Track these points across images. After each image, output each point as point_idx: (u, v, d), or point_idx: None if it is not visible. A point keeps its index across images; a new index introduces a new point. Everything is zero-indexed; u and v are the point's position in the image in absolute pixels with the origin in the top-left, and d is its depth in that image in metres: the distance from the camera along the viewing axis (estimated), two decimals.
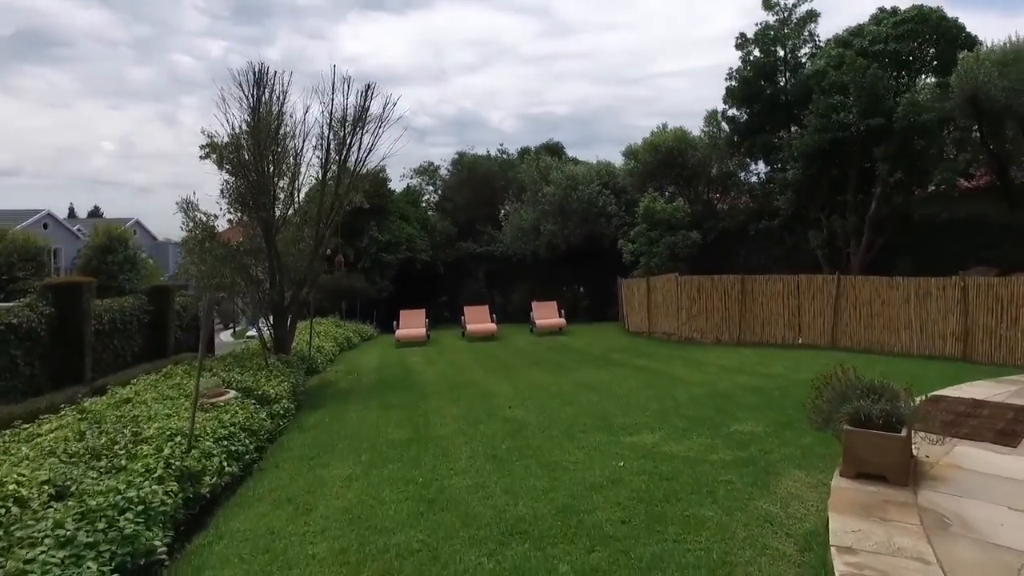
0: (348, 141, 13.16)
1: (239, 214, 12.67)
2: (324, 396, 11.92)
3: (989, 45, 20.00)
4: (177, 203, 12.00)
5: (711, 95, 68.44)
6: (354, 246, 28.27)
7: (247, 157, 12.34)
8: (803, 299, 14.94)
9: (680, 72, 58.36)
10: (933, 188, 20.49)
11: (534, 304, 22.64)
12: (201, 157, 12.03)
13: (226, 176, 12.38)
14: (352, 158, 13.43)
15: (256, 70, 12.26)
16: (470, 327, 20.92)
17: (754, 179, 24.92)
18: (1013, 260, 19.29)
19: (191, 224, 12.10)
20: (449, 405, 10.36)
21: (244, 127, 12.26)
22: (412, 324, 21.53)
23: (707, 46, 57.95)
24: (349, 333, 21.61)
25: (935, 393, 8.60)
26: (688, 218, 23.44)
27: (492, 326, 21.01)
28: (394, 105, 13.43)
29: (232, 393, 8.76)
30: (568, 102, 60.38)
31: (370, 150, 13.58)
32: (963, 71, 19.45)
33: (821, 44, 23.34)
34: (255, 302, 12.51)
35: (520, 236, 28.42)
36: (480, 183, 33.65)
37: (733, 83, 24.04)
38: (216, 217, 12.37)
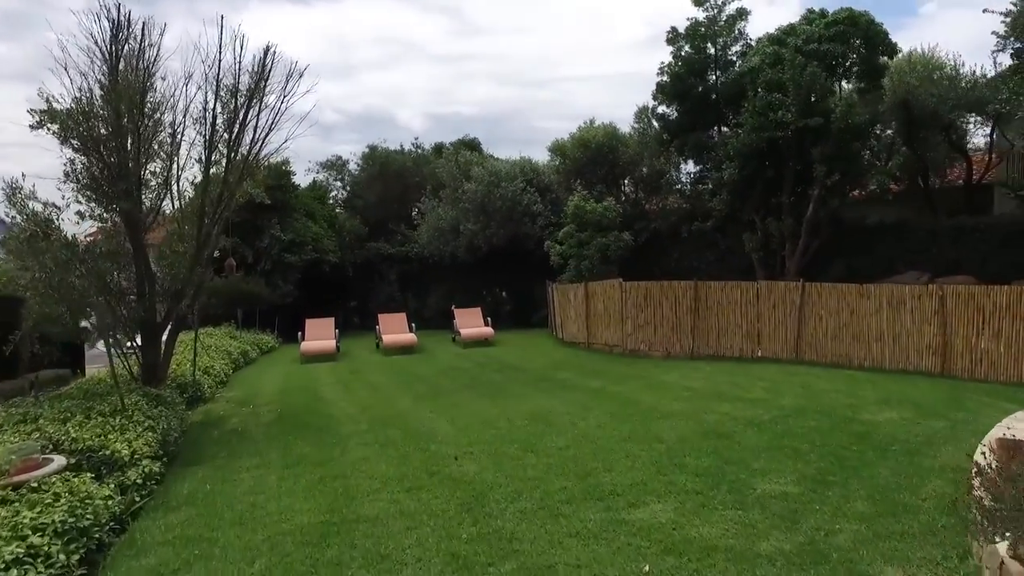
0: (241, 117, 10.20)
1: (92, 205, 9.43)
2: (208, 443, 8.93)
3: (906, 52, 19.50)
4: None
5: (618, 101, 67.98)
6: (253, 246, 24.73)
7: (102, 131, 9.18)
8: (763, 308, 13.28)
9: (587, 77, 57.28)
10: (864, 191, 19.60)
11: (457, 311, 20.13)
12: (33, 126, 8.77)
13: (73, 154, 9.16)
14: (246, 138, 10.48)
15: (115, 16, 9.11)
16: (387, 338, 18.16)
17: (685, 179, 23.36)
18: (940, 264, 18.66)
19: (22, 217, 8.78)
20: (376, 457, 7.71)
21: (98, 90, 9.10)
22: (319, 335, 18.52)
23: (614, 54, 57.14)
24: (246, 346, 18.32)
25: (1003, 435, 6.81)
26: (620, 218, 21.61)
27: (411, 337, 18.32)
28: (300, 76, 10.57)
29: (57, 463, 5.80)
30: (476, 102, 58.11)
31: (269, 129, 10.68)
32: (896, 75, 18.64)
33: (752, 42, 22.13)
34: (111, 319, 9.30)
35: (438, 236, 25.79)
36: (393, 179, 30.69)
37: (665, 78, 22.43)
38: (59, 208, 9.08)
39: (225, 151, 10.02)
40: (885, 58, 19.87)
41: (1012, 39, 15.51)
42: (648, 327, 14.52)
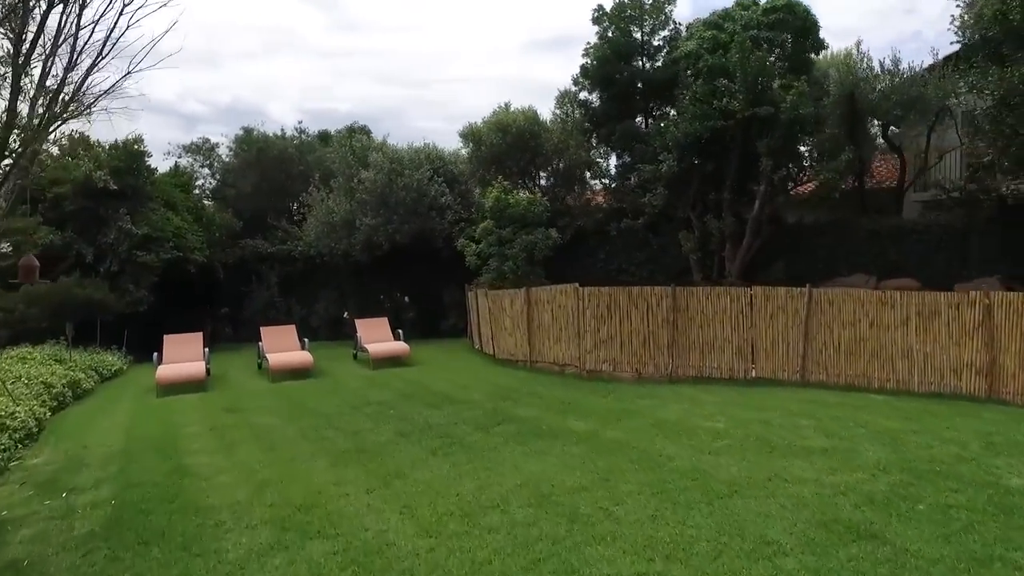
0: (40, 16, 5.90)
1: None
2: None
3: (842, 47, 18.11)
4: None
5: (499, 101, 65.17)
6: (94, 242, 19.22)
7: None
8: (758, 319, 10.65)
9: (473, 79, 54.14)
10: (806, 190, 17.82)
11: (360, 323, 16.14)
12: None
13: None
14: (58, 64, 6.16)
15: None
16: (273, 359, 13.88)
17: (611, 171, 20.67)
18: (881, 266, 17.24)
19: None
20: None
21: None
22: (183, 355, 13.89)
23: (502, 56, 54.42)
24: (78, 373, 13.30)
25: None
26: (547, 213, 18.55)
27: (305, 357, 14.16)
28: None
29: None
30: (354, 99, 53.21)
31: (100, 55, 6.41)
32: (844, 67, 16.95)
33: (681, 27, 19.87)
34: None
35: (328, 232, 21.50)
36: (272, 167, 25.83)
37: (590, 61, 19.69)
38: None
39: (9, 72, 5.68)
40: (812, 54, 18.21)
41: (967, 30, 13.93)
42: (612, 343, 11.50)
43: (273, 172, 25.78)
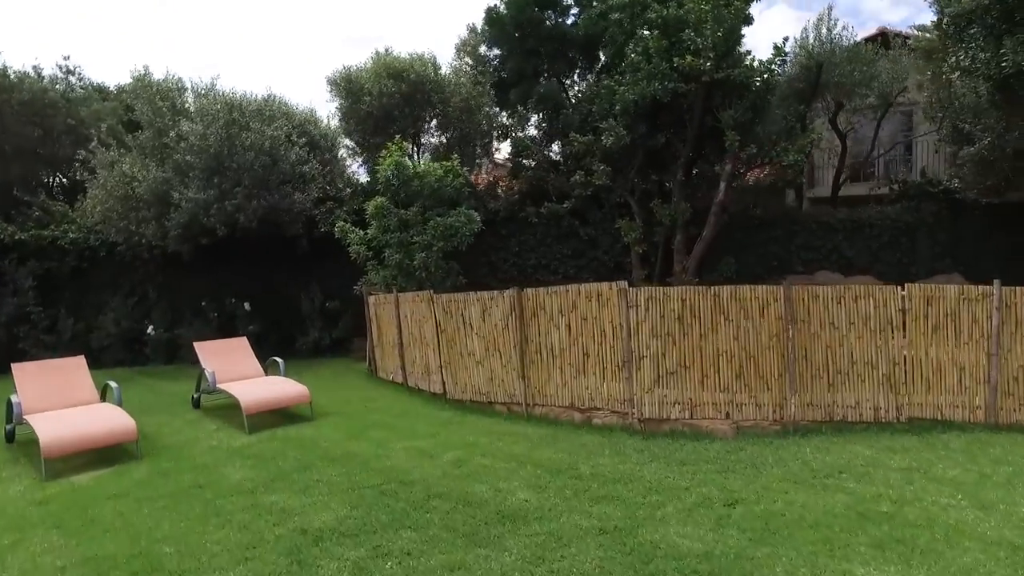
0: None
1: None
2: None
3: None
4: None
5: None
6: None
7: None
8: (914, 331, 6.85)
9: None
10: (771, 172, 14.89)
11: (203, 348, 9.57)
12: None
13: None
14: None
15: None
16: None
17: (530, 142, 16.02)
18: (836, 262, 14.98)
19: None
20: None
21: None
22: None
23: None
24: None
25: None
26: (468, 188, 13.53)
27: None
28: None
29: None
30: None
31: None
32: (817, 33, 14.24)
33: None
34: None
35: (125, 211, 14.05)
36: (18, 120, 16.97)
37: (499, 5, 14.95)
38: None
39: None
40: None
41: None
42: (688, 373, 6.97)
43: (20, 126, 16.90)
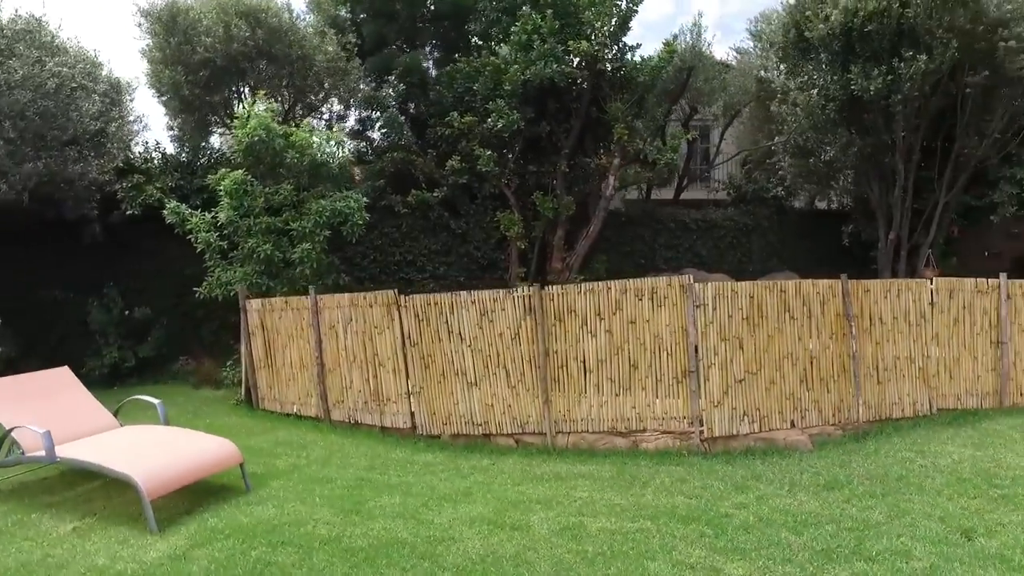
0: None
1: None
2: None
3: None
4: None
5: None
6: None
7: None
8: (938, 324, 6.81)
9: None
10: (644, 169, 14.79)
11: (6, 387, 5.74)
12: None
13: None
14: None
15: None
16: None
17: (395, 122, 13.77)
18: (690, 260, 15.65)
19: None
20: None
21: None
22: None
23: None
24: None
25: None
26: (353, 165, 11.05)
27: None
28: None
29: None
30: None
31: None
32: (686, 39, 14.46)
33: None
34: None
35: None
36: None
37: None
38: None
39: None
40: None
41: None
42: (756, 381, 5.97)
43: None
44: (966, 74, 11.24)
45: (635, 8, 12.48)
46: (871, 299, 6.52)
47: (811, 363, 6.26)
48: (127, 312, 10.94)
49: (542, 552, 4.16)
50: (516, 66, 11.92)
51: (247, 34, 10.23)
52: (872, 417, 6.49)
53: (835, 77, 11.91)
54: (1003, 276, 6.95)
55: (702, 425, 5.98)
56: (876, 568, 3.82)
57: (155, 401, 6.03)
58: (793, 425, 6.19)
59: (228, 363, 9.79)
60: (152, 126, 38.38)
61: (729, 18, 40.20)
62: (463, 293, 6.56)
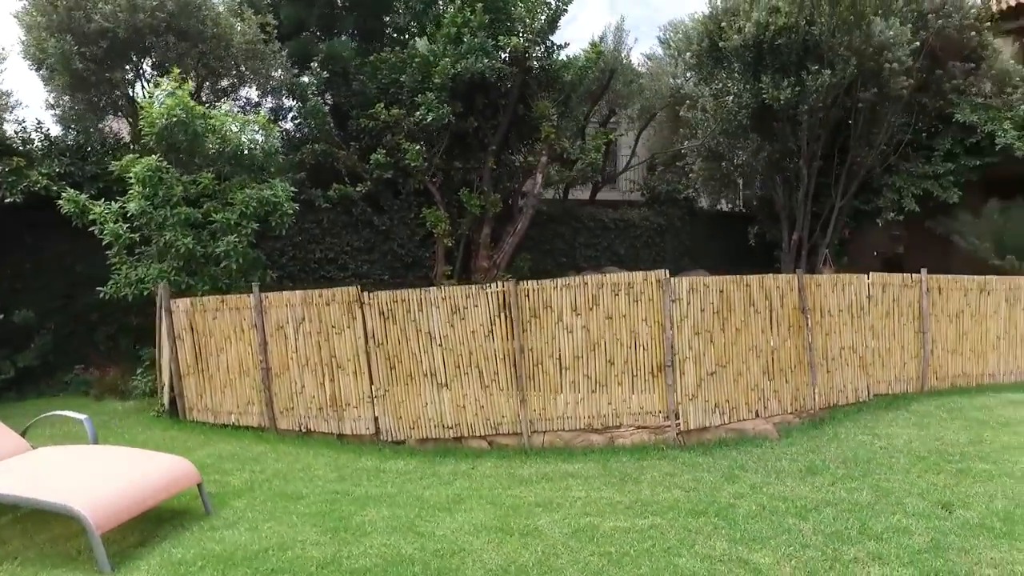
0: None
1: None
2: None
3: None
4: None
5: None
6: None
7: None
8: (874, 316, 7.32)
9: None
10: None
11: None
12: None
13: None
14: None
15: None
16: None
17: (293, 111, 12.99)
18: (610, 258, 16.01)
19: None
20: None
21: None
22: None
23: None
24: None
25: None
26: (281, 154, 10.27)
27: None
28: None
29: None
30: None
31: None
32: (609, 40, 14.75)
33: None
34: None
35: None
36: None
37: None
38: None
39: None
40: None
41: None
42: (726, 373, 6.07)
43: None
44: (858, 90, 12.33)
45: (564, 8, 12.57)
46: (822, 293, 6.91)
47: (772, 355, 6.52)
48: (3, 315, 9.43)
49: (565, 558, 3.96)
50: (447, 59, 11.58)
51: (155, 3, 9.12)
52: (823, 404, 6.87)
53: (748, 86, 12.64)
54: (924, 271, 7.64)
55: (678, 419, 6.04)
56: (886, 547, 3.99)
57: (81, 416, 5.13)
58: (758, 415, 6.41)
59: (139, 370, 8.67)
60: (29, 103, 33.74)
61: (631, 23, 41.83)
62: (432, 289, 6.19)
